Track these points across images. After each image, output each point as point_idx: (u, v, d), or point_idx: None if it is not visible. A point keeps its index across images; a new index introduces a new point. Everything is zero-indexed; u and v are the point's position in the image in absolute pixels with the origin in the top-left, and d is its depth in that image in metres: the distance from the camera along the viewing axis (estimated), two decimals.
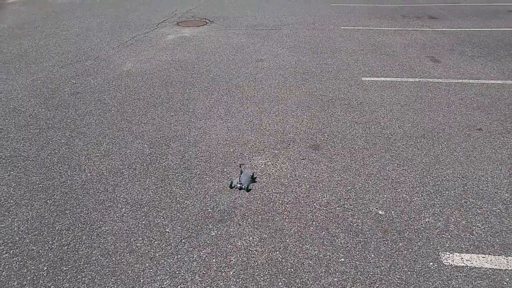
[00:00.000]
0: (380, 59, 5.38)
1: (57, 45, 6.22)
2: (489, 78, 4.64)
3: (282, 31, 7.08)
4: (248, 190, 2.60)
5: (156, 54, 5.72)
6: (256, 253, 2.12)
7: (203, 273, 1.99)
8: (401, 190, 2.61)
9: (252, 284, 1.93)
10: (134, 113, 3.81)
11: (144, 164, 2.94)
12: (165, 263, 2.05)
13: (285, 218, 2.37)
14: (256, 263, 2.04)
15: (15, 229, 2.31)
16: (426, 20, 7.83)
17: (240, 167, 2.76)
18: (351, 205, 2.46)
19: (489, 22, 7.52)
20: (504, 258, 2.06)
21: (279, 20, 8.01)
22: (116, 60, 5.48)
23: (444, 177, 2.76)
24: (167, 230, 2.29)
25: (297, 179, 2.74)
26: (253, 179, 2.72)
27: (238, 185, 2.59)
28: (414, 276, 1.96)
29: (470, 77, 4.69)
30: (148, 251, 2.16)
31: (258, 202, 2.51)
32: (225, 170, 2.85)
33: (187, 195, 2.59)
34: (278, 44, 6.24)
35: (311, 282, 1.93)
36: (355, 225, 2.30)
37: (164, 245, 2.20)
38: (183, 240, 2.22)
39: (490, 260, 2.05)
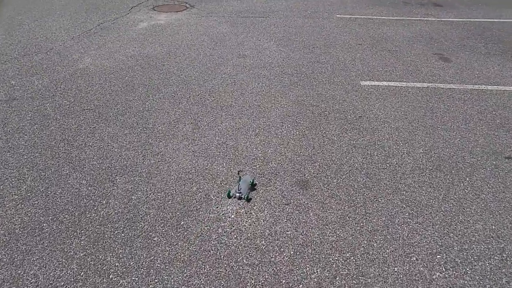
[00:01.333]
0: (381, 57, 4.59)
1: (7, 32, 5.23)
2: (509, 84, 3.91)
3: (270, 19, 6.17)
4: (248, 200, 2.26)
5: (122, 47, 4.82)
6: None
7: None
8: (416, 259, 1.90)
9: None
10: (79, 131, 2.98)
11: (76, 214, 2.16)
12: None
13: None
14: None
15: None
16: (430, 8, 6.96)
17: (238, 174, 2.45)
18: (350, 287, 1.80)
19: (501, 12, 6.67)
20: None
21: (267, 6, 7.04)
22: (73, 53, 4.57)
23: (473, 236, 2.05)
24: None
25: (278, 240, 2.01)
26: (253, 187, 2.36)
27: (237, 194, 2.25)
28: None
29: (487, 82, 3.94)
30: None
31: (223, 283, 1.81)
32: (181, 223, 2.11)
33: (124, 269, 1.81)
34: (265, 36, 5.36)
35: None
36: None
37: None
38: None
39: None
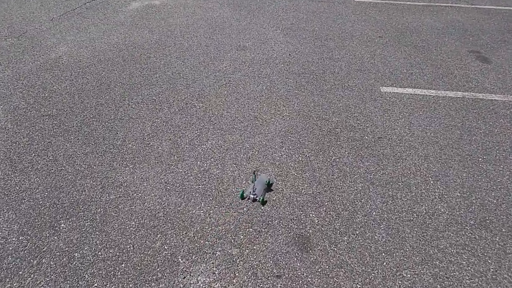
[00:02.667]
0: (406, 54, 3.78)
1: None
2: None
3: (278, 3, 5.29)
4: (263, 203, 1.96)
5: (105, 33, 4.09)
6: None
7: None
8: None
9: None
10: (30, 146, 2.31)
11: None
12: None
13: None
14: None
15: None
16: None
17: (254, 173, 2.09)
18: None
19: None
20: None
21: None
22: (48, 39, 3.85)
23: None
24: None
25: None
26: (269, 187, 2.06)
27: (252, 196, 1.95)
28: None
29: None
30: None
31: None
32: None
33: None
34: (271, 23, 4.55)
35: None
36: None
37: None
38: None
39: None
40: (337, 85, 3.14)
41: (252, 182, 2.02)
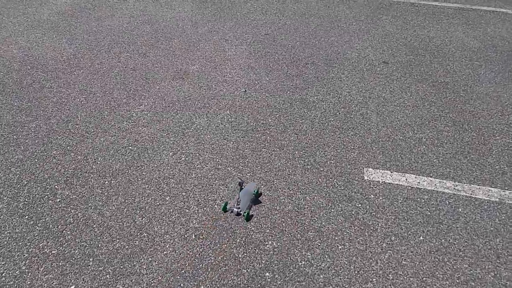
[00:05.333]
0: (419, 98, 2.35)
1: None
2: None
3: None
4: (248, 219, 1.54)
5: (9, 38, 2.84)
6: None
7: None
8: None
9: None
10: None
11: None
12: None
13: None
14: None
15: None
16: None
17: (239, 184, 1.58)
18: None
19: None
20: None
21: None
22: None
23: None
24: None
25: None
26: (257, 198, 1.62)
27: (235, 209, 1.55)
28: None
29: None
30: None
31: None
32: None
33: None
34: (239, 30, 3.15)
35: None
36: None
37: None
38: None
39: None
40: (295, 160, 1.90)
41: (238, 192, 1.66)
